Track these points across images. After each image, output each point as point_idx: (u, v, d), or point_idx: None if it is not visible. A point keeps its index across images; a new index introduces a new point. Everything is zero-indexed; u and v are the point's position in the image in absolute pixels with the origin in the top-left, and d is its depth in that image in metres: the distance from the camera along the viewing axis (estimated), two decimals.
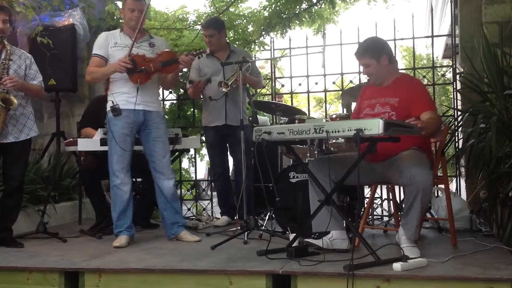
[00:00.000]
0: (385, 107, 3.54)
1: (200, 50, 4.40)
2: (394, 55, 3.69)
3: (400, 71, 3.92)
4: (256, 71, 4.96)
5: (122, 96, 4.01)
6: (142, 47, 4.10)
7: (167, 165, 4.12)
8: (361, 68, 3.76)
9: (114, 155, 3.98)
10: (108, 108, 4.03)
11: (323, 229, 3.45)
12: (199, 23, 5.96)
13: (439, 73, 5.89)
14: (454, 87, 5.49)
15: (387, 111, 3.50)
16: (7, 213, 4.09)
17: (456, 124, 4.70)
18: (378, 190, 4.96)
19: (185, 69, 5.90)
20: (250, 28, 6.25)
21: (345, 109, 4.97)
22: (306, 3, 6.20)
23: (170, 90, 6.11)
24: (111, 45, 4.07)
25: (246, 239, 3.91)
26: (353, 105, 4.32)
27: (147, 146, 4.12)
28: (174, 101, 6.34)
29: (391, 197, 4.52)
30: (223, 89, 4.49)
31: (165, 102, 6.25)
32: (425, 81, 6.38)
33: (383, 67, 3.59)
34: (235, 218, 4.97)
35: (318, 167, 3.54)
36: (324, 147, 4.38)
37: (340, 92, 5.77)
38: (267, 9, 6.19)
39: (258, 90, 6.17)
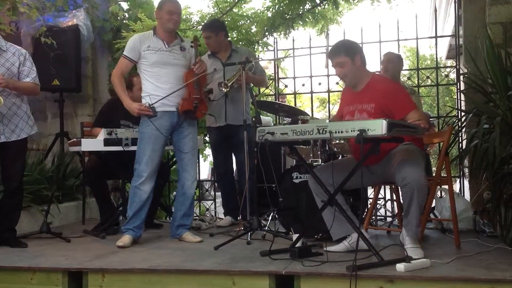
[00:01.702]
0: (362, 113, 3.50)
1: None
2: (365, 58, 3.65)
3: (403, 71, 3.92)
4: (260, 69, 4.96)
5: (158, 98, 3.99)
6: (174, 51, 4.09)
7: (193, 164, 4.16)
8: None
9: (144, 156, 3.98)
10: None
11: (344, 234, 3.48)
12: (202, 23, 5.97)
13: (443, 74, 5.89)
14: (458, 87, 5.48)
15: (364, 118, 3.42)
16: (9, 214, 4.09)
17: (460, 124, 4.69)
18: (382, 191, 4.96)
19: None
20: (254, 29, 6.25)
21: None
22: (309, 4, 6.20)
23: None
24: (144, 48, 4.05)
25: (249, 239, 3.91)
26: None
27: (178, 145, 4.13)
28: None
29: (394, 198, 4.51)
30: (223, 90, 4.49)
31: None
32: (429, 82, 6.37)
33: (357, 67, 3.53)
34: (238, 218, 4.97)
35: (320, 174, 3.53)
36: (327, 148, 4.38)
37: None
38: (271, 9, 6.19)
39: (261, 90, 6.17)
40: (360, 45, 5.51)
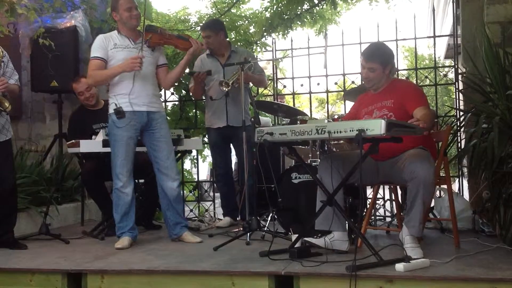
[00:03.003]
0: (382, 110, 3.57)
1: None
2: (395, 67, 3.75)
3: (402, 71, 3.93)
4: (259, 69, 4.96)
5: (125, 97, 3.98)
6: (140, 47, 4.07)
7: (171, 166, 4.12)
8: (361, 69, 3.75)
9: (118, 158, 3.97)
10: (111, 111, 4.00)
11: (325, 228, 3.46)
12: (201, 24, 5.97)
13: (441, 74, 5.88)
14: (456, 87, 5.48)
15: (385, 113, 3.53)
16: (6, 217, 4.07)
17: (458, 124, 4.69)
18: (381, 191, 4.95)
19: (186, 70, 5.90)
20: (252, 29, 6.25)
21: None
22: (307, 4, 6.20)
23: (172, 92, 6.11)
24: (111, 47, 4.03)
25: (248, 240, 3.92)
26: None
27: (151, 147, 4.11)
28: (176, 103, 6.34)
29: (393, 198, 4.51)
30: (224, 89, 4.49)
31: (167, 104, 6.25)
32: (427, 82, 6.37)
33: (385, 75, 3.64)
34: (238, 219, 4.97)
35: (326, 166, 3.52)
36: (326, 148, 4.38)
37: (342, 93, 5.76)
38: (269, 10, 6.19)
39: (260, 91, 6.17)
40: (359, 45, 5.56)
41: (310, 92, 6.00)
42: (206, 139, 5.71)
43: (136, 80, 3.98)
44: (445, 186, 3.99)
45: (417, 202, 3.23)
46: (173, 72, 4.28)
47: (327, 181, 3.43)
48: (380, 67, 3.59)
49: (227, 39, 5.14)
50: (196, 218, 5.47)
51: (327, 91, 6.02)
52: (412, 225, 3.28)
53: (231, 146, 5.08)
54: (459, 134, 4.81)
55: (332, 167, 3.43)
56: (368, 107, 3.69)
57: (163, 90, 5.75)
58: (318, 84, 5.95)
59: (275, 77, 6.15)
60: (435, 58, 5.98)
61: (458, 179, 5.38)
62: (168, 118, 6.13)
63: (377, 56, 3.61)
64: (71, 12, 5.57)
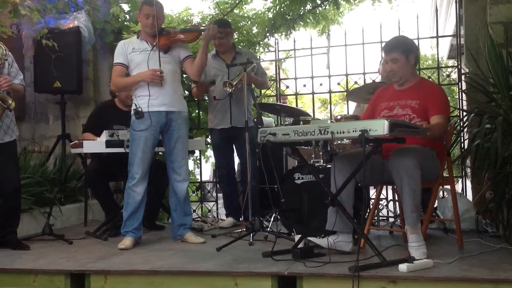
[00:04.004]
0: (405, 109, 3.55)
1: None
2: (418, 58, 3.71)
3: None
4: (261, 72, 4.97)
5: (145, 98, 4.00)
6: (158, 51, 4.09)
7: (185, 167, 4.16)
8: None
9: (135, 158, 4.00)
10: (132, 112, 4.06)
11: (330, 228, 3.46)
12: (203, 25, 5.96)
13: (444, 74, 5.89)
14: (460, 87, 5.47)
15: (408, 113, 3.52)
16: (9, 217, 4.07)
17: (461, 124, 4.69)
18: (384, 191, 4.94)
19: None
20: (255, 30, 6.25)
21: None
22: (310, 4, 6.20)
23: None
24: (129, 51, 4.11)
25: (251, 240, 3.91)
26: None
27: (168, 147, 4.14)
28: None
29: (396, 198, 4.51)
30: (228, 89, 4.49)
31: None
32: None
33: (410, 66, 3.60)
34: (240, 219, 4.97)
35: (339, 166, 3.46)
36: (329, 148, 4.38)
37: (345, 93, 5.76)
38: (272, 10, 6.19)
39: (263, 92, 6.17)
40: (361, 45, 5.56)
41: (313, 93, 6.00)
42: (209, 140, 5.72)
43: None
44: (448, 187, 3.98)
45: (405, 191, 3.20)
46: (195, 62, 4.23)
47: (338, 181, 3.39)
48: (402, 56, 3.55)
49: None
50: (199, 219, 5.47)
51: (330, 92, 6.01)
52: (407, 216, 3.26)
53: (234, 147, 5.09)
54: (462, 135, 4.80)
55: (346, 168, 3.41)
56: (389, 102, 3.65)
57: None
58: (321, 84, 5.95)
59: (277, 77, 6.15)
60: (438, 58, 5.96)
61: (461, 179, 5.37)
62: None
63: (397, 46, 3.59)
64: (74, 13, 5.59)
